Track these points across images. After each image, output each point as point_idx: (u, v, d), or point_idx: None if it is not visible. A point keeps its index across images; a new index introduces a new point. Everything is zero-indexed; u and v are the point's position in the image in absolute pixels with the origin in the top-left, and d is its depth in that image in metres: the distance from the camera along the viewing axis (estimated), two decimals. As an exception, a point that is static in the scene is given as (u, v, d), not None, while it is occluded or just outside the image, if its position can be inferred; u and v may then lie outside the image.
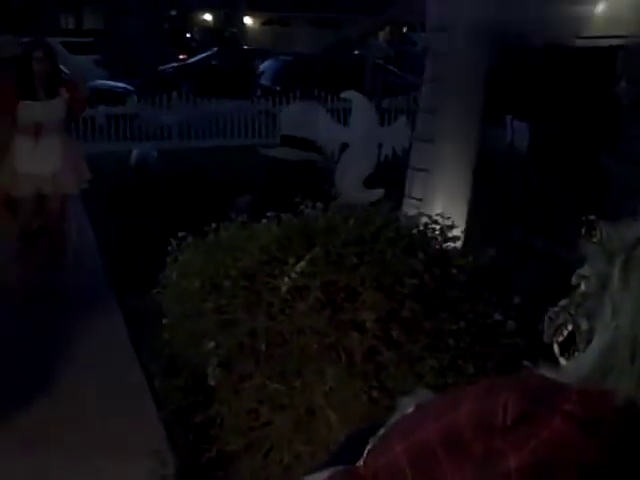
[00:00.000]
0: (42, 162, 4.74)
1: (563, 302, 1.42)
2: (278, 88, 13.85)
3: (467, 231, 3.10)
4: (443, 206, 3.66)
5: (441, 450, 1.33)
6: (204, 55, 21.01)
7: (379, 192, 5.62)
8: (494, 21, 4.12)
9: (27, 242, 5.04)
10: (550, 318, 1.45)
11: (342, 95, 7.08)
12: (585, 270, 1.37)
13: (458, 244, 2.66)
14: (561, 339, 1.41)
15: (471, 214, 3.67)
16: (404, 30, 30.84)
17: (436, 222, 2.71)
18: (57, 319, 4.53)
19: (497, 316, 2.31)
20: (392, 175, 5.44)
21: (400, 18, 29.29)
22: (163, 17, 27.30)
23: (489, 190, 4.02)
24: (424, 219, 2.72)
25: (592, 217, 1.38)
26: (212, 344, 2.29)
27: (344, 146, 6.36)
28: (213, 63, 20.04)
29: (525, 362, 2.13)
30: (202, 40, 28.61)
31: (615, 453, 1.15)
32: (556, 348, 1.42)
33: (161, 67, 19.41)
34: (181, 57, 22.74)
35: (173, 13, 30.18)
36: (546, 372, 1.36)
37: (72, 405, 3.55)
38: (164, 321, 2.89)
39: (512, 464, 1.18)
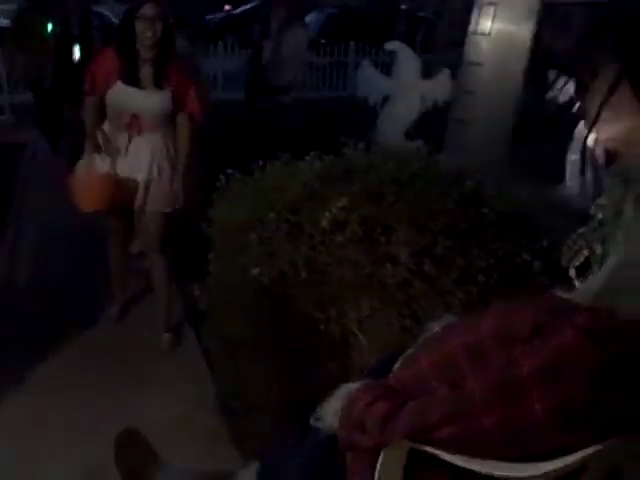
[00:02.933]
0: (131, 165, 3.66)
1: (581, 230, 1.54)
2: (323, 41, 13.80)
3: (500, 177, 3.20)
4: (481, 155, 3.77)
5: (464, 360, 1.48)
6: (249, 6, 20.94)
7: (418, 144, 5.71)
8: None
9: (120, 270, 4.15)
10: (568, 244, 1.57)
11: (385, 46, 7.12)
12: (603, 200, 1.49)
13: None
14: (577, 264, 1.54)
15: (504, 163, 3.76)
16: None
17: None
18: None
19: (525, 256, 2.44)
20: (433, 127, 5.52)
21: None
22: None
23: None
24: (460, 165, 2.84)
25: (612, 150, 1.49)
26: (256, 270, 2.46)
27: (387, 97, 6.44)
28: (259, 14, 19.92)
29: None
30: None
31: (619, 360, 1.29)
32: (572, 272, 1.55)
33: (207, 17, 19.41)
34: (226, 8, 22.69)
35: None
36: (561, 293, 1.50)
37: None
38: (210, 255, 3.09)
39: (526, 367, 1.33)
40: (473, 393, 1.39)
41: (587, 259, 1.51)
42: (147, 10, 3.44)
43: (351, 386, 1.66)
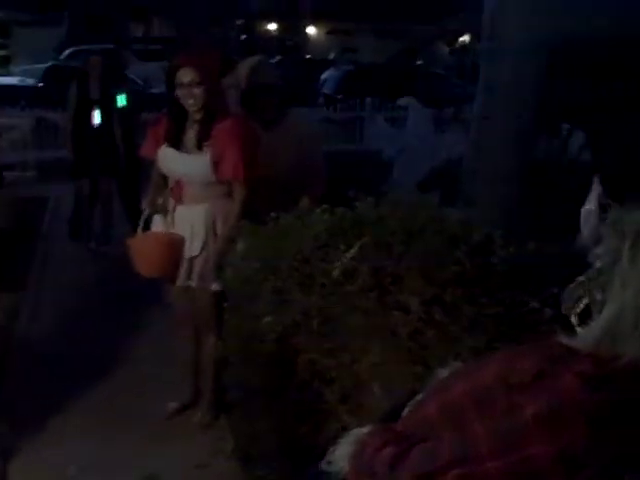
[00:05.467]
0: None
1: (581, 278, 1.59)
2: (340, 96, 14.06)
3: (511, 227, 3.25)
4: (491, 205, 3.84)
5: (469, 406, 1.51)
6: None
7: (432, 196, 5.77)
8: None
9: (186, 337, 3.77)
10: (569, 292, 1.62)
11: (398, 102, 7.28)
12: (600, 249, 1.54)
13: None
14: (578, 310, 1.58)
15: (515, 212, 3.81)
16: (467, 40, 30.76)
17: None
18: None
19: (534, 304, 2.47)
20: (445, 180, 5.61)
21: (463, 28, 29.25)
22: (229, 26, 27.88)
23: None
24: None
25: (607, 201, 1.55)
26: (269, 319, 2.52)
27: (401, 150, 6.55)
28: (276, 72, 20.27)
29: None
30: (265, 49, 29.09)
31: (619, 407, 1.32)
32: (574, 319, 1.58)
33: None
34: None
35: (239, 22, 30.76)
36: (563, 339, 1.54)
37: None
38: (225, 304, 3.15)
39: (528, 412, 1.36)
40: (477, 438, 1.41)
41: (588, 306, 1.55)
42: (183, 77, 3.22)
43: (361, 431, 1.69)
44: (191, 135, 3.33)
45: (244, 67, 3.82)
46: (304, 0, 31.23)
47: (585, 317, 1.58)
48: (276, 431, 2.64)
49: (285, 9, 31.06)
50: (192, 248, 3.35)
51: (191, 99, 3.23)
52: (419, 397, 1.75)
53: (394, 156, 6.63)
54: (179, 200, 3.39)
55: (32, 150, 10.04)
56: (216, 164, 3.26)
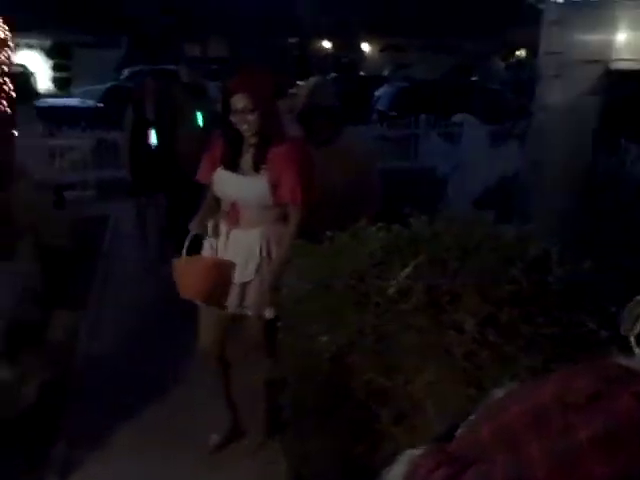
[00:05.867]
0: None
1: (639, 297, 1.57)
2: (394, 113, 14.06)
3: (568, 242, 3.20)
4: (549, 221, 3.80)
5: (523, 427, 1.50)
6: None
7: (488, 213, 5.72)
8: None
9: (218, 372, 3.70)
10: (628, 311, 1.59)
11: (453, 118, 7.26)
12: (660, 267, 1.52)
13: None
14: (637, 331, 1.55)
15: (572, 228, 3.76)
16: (523, 54, 30.50)
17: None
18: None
19: (591, 325, 2.43)
20: (501, 196, 5.56)
21: (519, 43, 29.01)
22: (284, 44, 28.21)
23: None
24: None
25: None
26: (324, 339, 2.53)
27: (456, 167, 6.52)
28: (330, 89, 20.47)
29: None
30: (320, 66, 29.32)
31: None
32: (633, 339, 1.56)
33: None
34: (299, 83, 23.34)
35: (293, 40, 31.09)
36: (621, 360, 1.52)
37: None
38: (279, 324, 3.16)
39: (583, 435, 1.35)
40: (532, 460, 1.40)
41: (647, 325, 1.53)
42: (237, 103, 3.19)
43: (414, 452, 1.69)
44: (247, 158, 3.32)
45: (304, 89, 3.85)
46: (358, 17, 31.44)
47: (644, 338, 1.56)
48: (330, 451, 2.64)
49: (340, 26, 31.31)
50: (246, 273, 3.31)
51: (245, 124, 3.22)
52: (473, 417, 1.74)
53: (449, 173, 6.60)
54: (235, 223, 3.35)
55: (92, 170, 10.28)
56: (273, 187, 3.24)
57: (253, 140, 3.27)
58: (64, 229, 6.83)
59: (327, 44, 34.29)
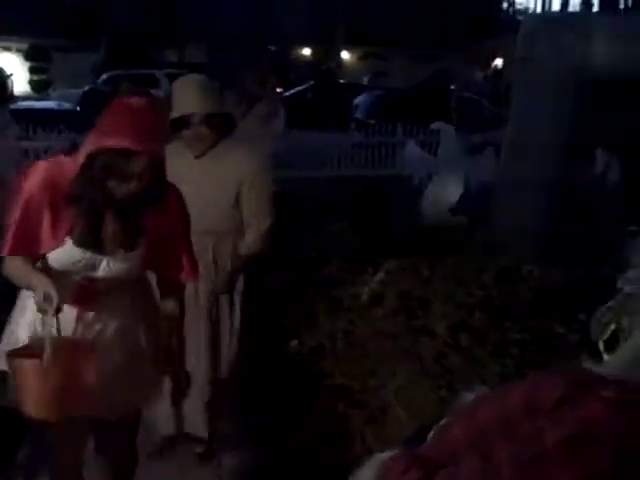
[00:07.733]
0: None
1: (609, 303, 1.59)
2: (372, 121, 14.08)
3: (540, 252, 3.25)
4: (521, 230, 3.84)
5: (493, 431, 1.51)
6: (300, 88, 21.48)
7: (463, 220, 5.76)
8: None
9: None
10: (597, 318, 1.61)
11: (431, 126, 7.29)
12: (629, 274, 1.55)
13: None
14: (606, 337, 1.57)
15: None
16: (500, 65, 30.72)
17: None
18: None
19: (559, 329, 2.47)
20: (476, 205, 5.59)
21: (497, 53, 29.25)
22: (263, 51, 28.19)
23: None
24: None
25: (634, 228, 1.55)
26: (295, 342, 2.54)
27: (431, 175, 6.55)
28: (308, 96, 20.51)
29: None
30: (299, 74, 29.30)
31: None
32: (601, 345, 1.58)
33: (259, 100, 19.89)
34: (278, 90, 23.28)
35: (272, 48, 31.08)
36: (590, 365, 1.54)
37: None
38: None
39: (549, 440, 1.36)
40: (500, 464, 1.41)
41: (615, 332, 1.54)
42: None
43: (384, 455, 1.69)
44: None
45: None
46: (337, 25, 31.49)
47: (612, 344, 1.58)
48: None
49: (319, 34, 31.32)
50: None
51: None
52: (444, 421, 1.75)
53: (425, 180, 6.64)
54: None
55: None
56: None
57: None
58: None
59: (306, 51, 34.23)
